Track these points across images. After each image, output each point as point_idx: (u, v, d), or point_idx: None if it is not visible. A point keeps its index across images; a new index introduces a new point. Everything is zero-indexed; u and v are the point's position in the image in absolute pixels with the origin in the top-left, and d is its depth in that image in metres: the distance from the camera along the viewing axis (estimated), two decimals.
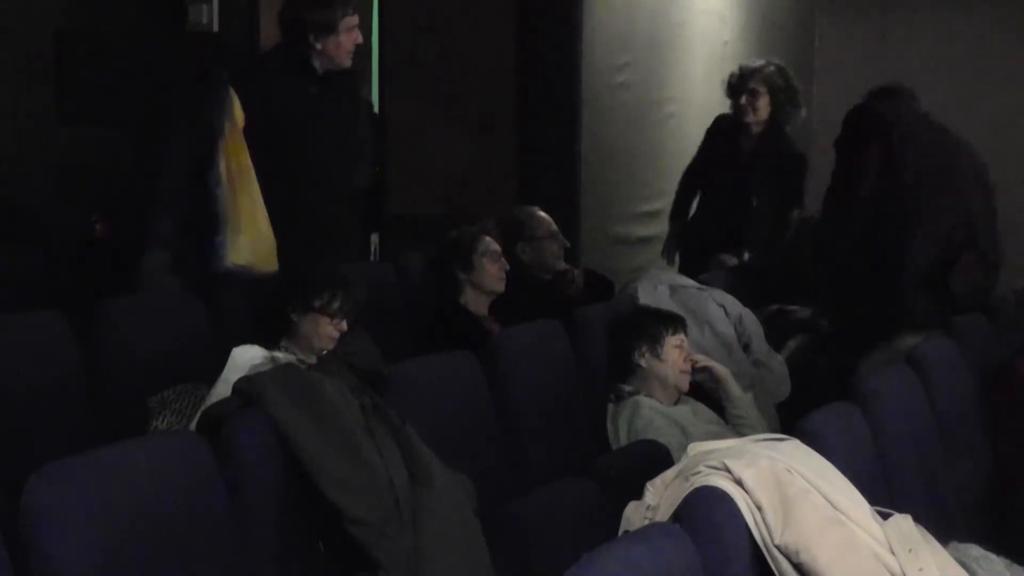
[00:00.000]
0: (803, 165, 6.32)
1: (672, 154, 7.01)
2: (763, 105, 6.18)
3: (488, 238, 4.83)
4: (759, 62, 6.31)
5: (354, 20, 4.91)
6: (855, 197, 4.98)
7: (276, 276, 4.05)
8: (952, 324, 4.76)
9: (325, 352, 3.81)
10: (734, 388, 4.45)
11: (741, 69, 6.26)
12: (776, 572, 2.56)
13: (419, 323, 4.86)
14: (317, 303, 3.85)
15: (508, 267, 4.83)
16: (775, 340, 5.11)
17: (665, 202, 6.68)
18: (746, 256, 6.16)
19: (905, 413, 3.81)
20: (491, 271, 4.77)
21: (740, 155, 6.23)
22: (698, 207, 6.48)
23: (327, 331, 3.85)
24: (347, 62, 4.94)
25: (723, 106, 6.35)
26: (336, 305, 3.86)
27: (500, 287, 4.80)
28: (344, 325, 3.88)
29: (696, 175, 6.46)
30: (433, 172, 6.86)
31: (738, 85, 6.21)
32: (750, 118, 6.19)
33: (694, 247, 6.31)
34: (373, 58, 7.47)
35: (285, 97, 4.87)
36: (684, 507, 2.56)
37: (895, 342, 4.76)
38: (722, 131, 6.32)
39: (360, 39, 4.97)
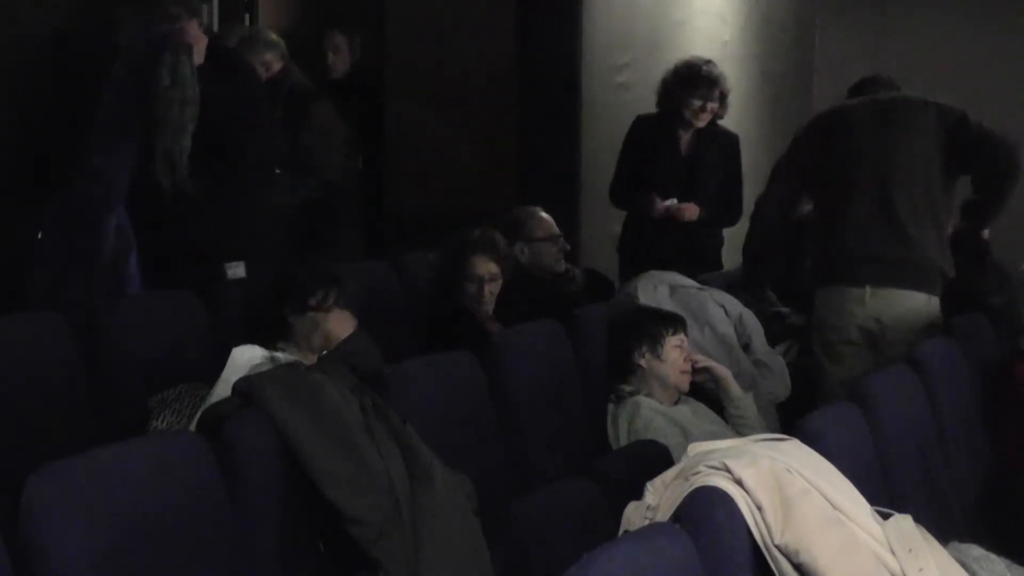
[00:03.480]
0: (737, 142, 6.12)
1: None
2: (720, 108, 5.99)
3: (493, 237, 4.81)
4: (716, 67, 5.98)
5: None
6: None
7: (267, 281, 4.03)
8: (952, 324, 4.76)
9: (325, 352, 3.81)
10: (734, 388, 4.45)
11: (705, 71, 5.92)
12: (776, 572, 2.56)
13: (419, 323, 4.86)
14: (312, 302, 3.85)
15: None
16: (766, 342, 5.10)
17: None
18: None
19: (905, 413, 3.81)
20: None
21: (679, 152, 5.98)
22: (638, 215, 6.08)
23: (340, 325, 3.84)
24: None
25: None
26: (331, 300, 3.86)
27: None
28: (352, 315, 3.88)
29: (627, 187, 6.04)
30: (433, 172, 6.86)
31: (700, 85, 5.90)
32: (701, 121, 5.94)
33: (650, 254, 5.74)
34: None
35: None
36: (684, 507, 2.56)
37: None
38: (654, 132, 6.00)
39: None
